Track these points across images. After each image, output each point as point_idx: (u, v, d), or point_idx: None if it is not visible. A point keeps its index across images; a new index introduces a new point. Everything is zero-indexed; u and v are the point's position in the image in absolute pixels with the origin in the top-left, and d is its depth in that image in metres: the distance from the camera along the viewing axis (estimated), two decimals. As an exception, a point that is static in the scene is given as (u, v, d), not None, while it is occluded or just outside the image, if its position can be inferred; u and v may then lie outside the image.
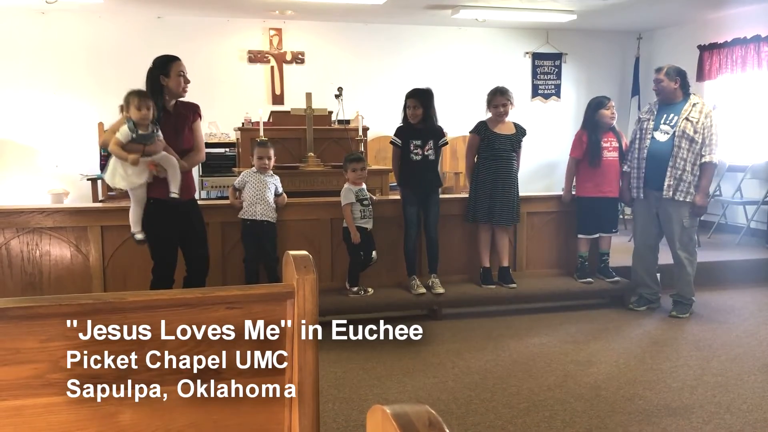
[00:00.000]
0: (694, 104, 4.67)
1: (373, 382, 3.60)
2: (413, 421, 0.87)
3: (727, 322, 4.72)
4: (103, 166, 7.15)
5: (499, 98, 4.91)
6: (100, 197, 7.15)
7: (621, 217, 7.33)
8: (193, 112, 3.96)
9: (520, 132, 5.01)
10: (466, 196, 5.26)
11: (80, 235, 4.52)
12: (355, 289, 4.75)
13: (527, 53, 9.12)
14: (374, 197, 4.93)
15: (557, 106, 9.27)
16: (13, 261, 4.44)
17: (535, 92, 9.19)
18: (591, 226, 5.13)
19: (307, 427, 1.60)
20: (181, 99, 3.91)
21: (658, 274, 5.07)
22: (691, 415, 3.17)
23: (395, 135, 4.82)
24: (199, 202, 4.21)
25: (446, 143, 4.94)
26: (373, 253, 4.73)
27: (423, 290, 4.81)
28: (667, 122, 4.71)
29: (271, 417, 1.64)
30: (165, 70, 3.74)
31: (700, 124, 4.60)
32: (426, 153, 4.74)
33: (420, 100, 4.69)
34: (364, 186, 4.75)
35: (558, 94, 9.27)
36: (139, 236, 3.76)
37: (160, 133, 3.66)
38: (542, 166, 8.95)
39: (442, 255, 4.96)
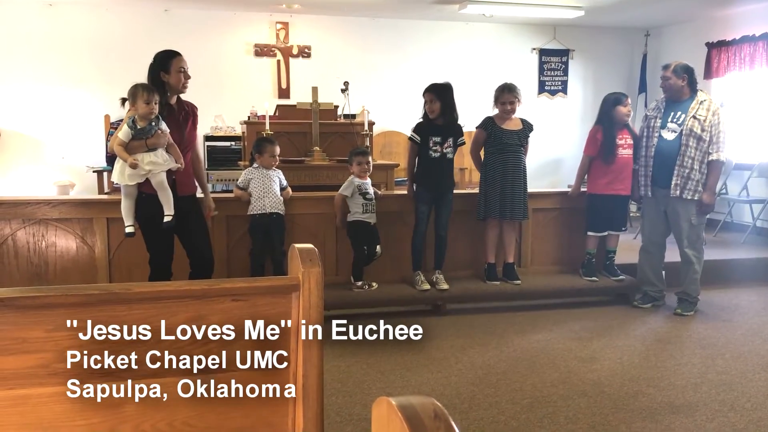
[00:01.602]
0: (701, 102, 4.65)
1: (376, 377, 3.61)
2: (419, 413, 0.88)
3: (732, 321, 4.71)
4: (109, 159, 7.18)
5: (506, 95, 4.89)
6: (106, 189, 7.17)
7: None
8: (193, 112, 3.96)
9: (527, 127, 4.99)
10: (473, 192, 5.25)
11: (86, 227, 4.54)
12: (360, 283, 4.76)
13: (534, 49, 9.09)
14: (379, 192, 4.93)
15: (564, 103, 9.24)
16: (19, 252, 4.46)
17: (541, 88, 9.17)
18: (601, 224, 5.11)
19: (311, 420, 1.61)
20: (182, 96, 3.90)
21: (663, 272, 5.06)
22: (694, 413, 3.17)
23: (414, 131, 4.77)
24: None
25: (464, 143, 4.91)
26: (378, 247, 4.73)
27: (427, 286, 4.81)
28: (675, 120, 4.69)
29: (276, 410, 1.65)
30: (165, 66, 3.71)
31: (707, 122, 4.58)
32: (445, 151, 4.71)
33: (436, 93, 4.65)
34: (368, 180, 4.75)
35: (565, 91, 9.25)
36: (129, 229, 3.76)
37: (164, 125, 3.65)
38: (548, 162, 8.93)
39: (447, 250, 4.96)
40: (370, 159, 4.79)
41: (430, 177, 4.75)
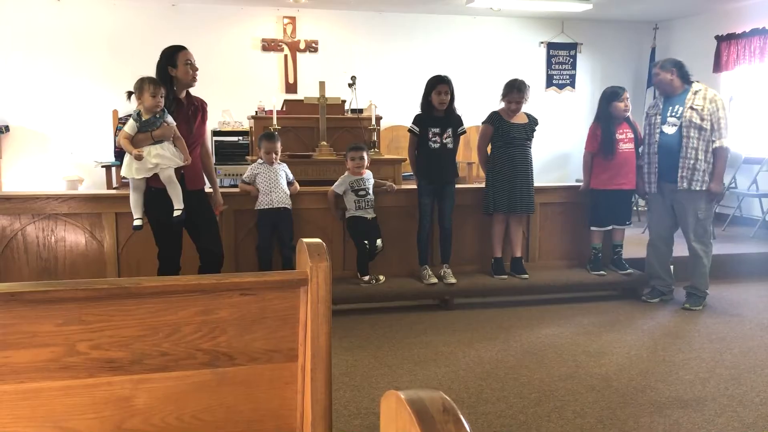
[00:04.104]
0: (695, 92, 4.64)
1: (384, 371, 3.61)
2: (428, 407, 0.88)
3: (741, 315, 4.69)
4: (117, 153, 7.22)
5: (515, 94, 4.87)
6: (114, 184, 7.20)
7: (635, 209, 7.29)
8: (202, 107, 3.97)
9: (533, 122, 4.99)
10: (480, 186, 5.24)
11: (95, 222, 4.56)
12: (366, 278, 4.77)
13: (542, 43, 9.06)
14: (395, 186, 4.95)
15: (572, 97, 9.21)
16: (29, 247, 4.48)
17: (549, 82, 9.13)
18: (604, 219, 5.10)
19: (319, 412, 1.61)
20: (191, 90, 3.92)
21: (672, 267, 5.04)
22: (703, 408, 3.16)
23: (413, 123, 4.79)
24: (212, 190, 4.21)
25: (464, 132, 4.92)
26: (378, 241, 4.74)
27: (435, 280, 4.82)
28: (674, 114, 4.68)
29: (284, 403, 1.65)
30: (172, 61, 3.74)
31: (706, 111, 4.56)
32: (444, 141, 4.72)
33: (449, 86, 4.68)
34: (365, 175, 4.74)
35: (573, 85, 9.21)
36: (137, 222, 3.78)
37: (169, 118, 3.66)
38: (556, 156, 8.91)
39: (454, 245, 4.96)
40: (365, 154, 4.77)
41: (431, 168, 4.76)
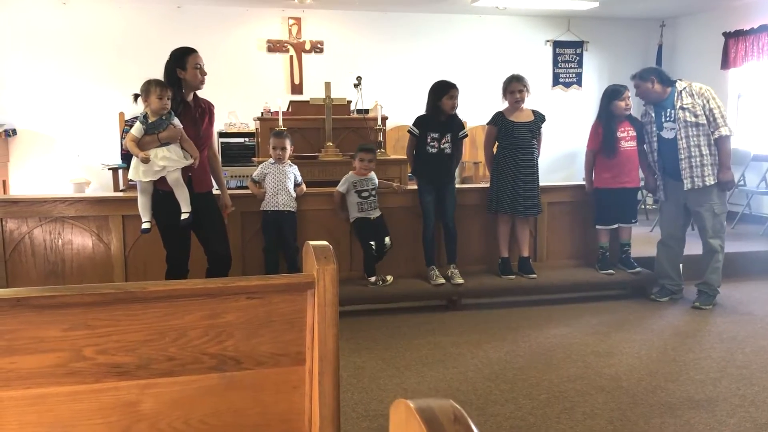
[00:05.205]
0: (680, 91, 4.61)
1: (392, 372, 3.60)
2: (438, 416, 0.86)
3: (752, 314, 4.65)
4: (124, 156, 7.23)
5: (515, 84, 4.86)
6: (121, 187, 7.21)
7: (642, 207, 7.25)
8: (209, 109, 3.97)
9: (539, 118, 4.96)
10: (486, 186, 5.22)
11: (102, 225, 4.56)
12: (373, 279, 4.75)
13: (548, 41, 9.02)
14: (404, 187, 4.94)
15: (578, 95, 9.16)
16: (36, 250, 4.49)
17: (556, 81, 9.09)
18: (609, 217, 5.07)
19: (327, 416, 1.60)
20: (198, 93, 3.92)
21: (681, 266, 5.00)
22: (714, 408, 3.13)
23: (414, 124, 4.79)
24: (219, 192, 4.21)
25: (466, 135, 4.91)
26: (386, 239, 4.73)
27: (442, 280, 4.80)
28: (668, 119, 4.67)
29: (292, 407, 1.64)
30: (181, 63, 3.74)
31: (698, 107, 4.54)
32: (442, 146, 4.71)
33: (458, 91, 4.68)
34: (371, 176, 4.73)
35: (579, 83, 9.17)
36: (145, 225, 3.78)
37: (176, 120, 3.66)
38: (563, 156, 8.86)
39: (461, 245, 4.95)
40: (374, 157, 4.76)
41: (428, 171, 4.76)
